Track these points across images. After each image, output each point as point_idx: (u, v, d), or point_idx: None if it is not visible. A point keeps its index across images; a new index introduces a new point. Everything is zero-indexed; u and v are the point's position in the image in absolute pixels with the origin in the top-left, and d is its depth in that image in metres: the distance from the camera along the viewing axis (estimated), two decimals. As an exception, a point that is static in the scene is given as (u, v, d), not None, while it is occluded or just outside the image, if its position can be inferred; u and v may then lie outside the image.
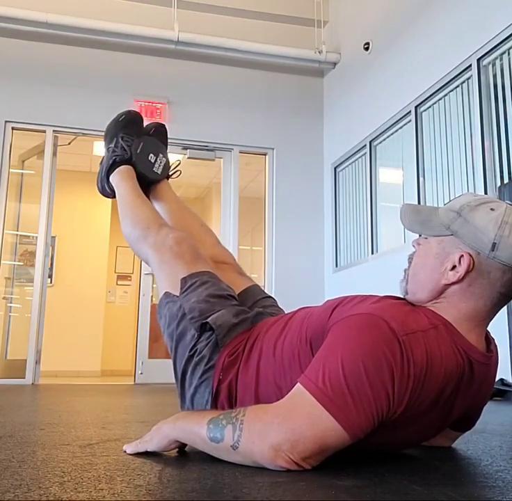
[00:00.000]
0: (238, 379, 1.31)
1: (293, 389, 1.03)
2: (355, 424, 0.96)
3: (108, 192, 2.03)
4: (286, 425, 0.97)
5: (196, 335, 1.41)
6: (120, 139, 2.02)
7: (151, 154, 2.03)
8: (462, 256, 1.09)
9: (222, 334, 1.38)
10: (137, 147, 2.01)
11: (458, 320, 1.10)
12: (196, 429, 1.06)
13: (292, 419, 0.97)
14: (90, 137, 5.51)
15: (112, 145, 2.03)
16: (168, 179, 2.11)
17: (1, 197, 5.12)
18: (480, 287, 1.09)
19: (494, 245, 1.06)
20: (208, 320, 1.41)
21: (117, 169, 1.99)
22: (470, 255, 1.08)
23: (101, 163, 2.07)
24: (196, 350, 1.40)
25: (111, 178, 1.99)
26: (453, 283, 1.11)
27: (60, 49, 5.37)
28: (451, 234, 1.11)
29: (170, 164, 2.12)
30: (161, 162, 2.05)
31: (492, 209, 1.09)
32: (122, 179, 1.96)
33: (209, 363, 1.36)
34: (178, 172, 2.15)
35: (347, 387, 0.97)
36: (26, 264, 5.54)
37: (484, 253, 1.07)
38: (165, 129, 2.18)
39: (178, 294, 1.52)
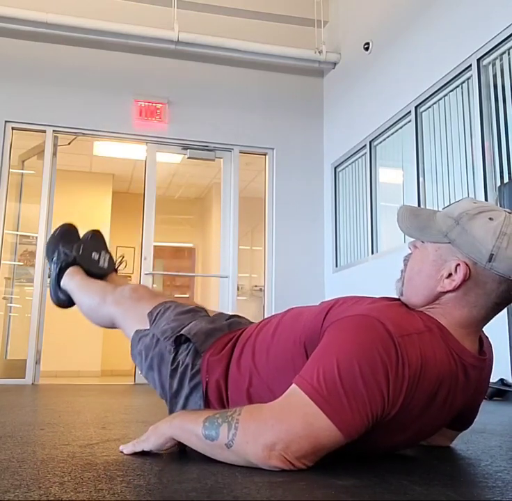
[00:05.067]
0: (228, 378, 1.30)
1: (289, 389, 1.03)
2: (349, 424, 0.96)
3: (63, 299, 2.08)
4: (280, 425, 0.97)
5: (173, 349, 1.42)
6: (60, 249, 2.11)
7: (93, 252, 2.10)
8: (458, 265, 1.08)
9: (200, 341, 1.39)
10: (78, 249, 2.09)
11: (451, 326, 1.10)
12: (192, 427, 1.07)
13: (287, 419, 0.97)
14: (90, 137, 5.52)
15: (55, 257, 2.11)
16: (116, 273, 2.17)
17: (1, 197, 5.12)
18: (475, 297, 1.09)
19: (491, 256, 1.06)
20: (182, 332, 1.42)
21: (65, 273, 2.05)
22: (467, 265, 1.08)
23: (49, 276, 2.14)
24: (178, 362, 1.40)
25: (62, 283, 2.05)
26: (448, 291, 1.10)
27: (60, 49, 5.37)
28: (449, 242, 1.10)
29: (115, 259, 2.18)
30: (104, 258, 2.13)
31: (490, 219, 1.07)
32: (71, 276, 2.03)
33: (194, 368, 1.36)
34: (124, 264, 2.21)
35: (342, 388, 0.97)
36: (26, 264, 5.54)
37: (481, 264, 1.07)
38: (101, 234, 2.24)
39: (148, 327, 1.56)
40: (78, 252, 2.06)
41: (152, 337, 1.51)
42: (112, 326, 1.79)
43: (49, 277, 2.16)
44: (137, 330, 1.58)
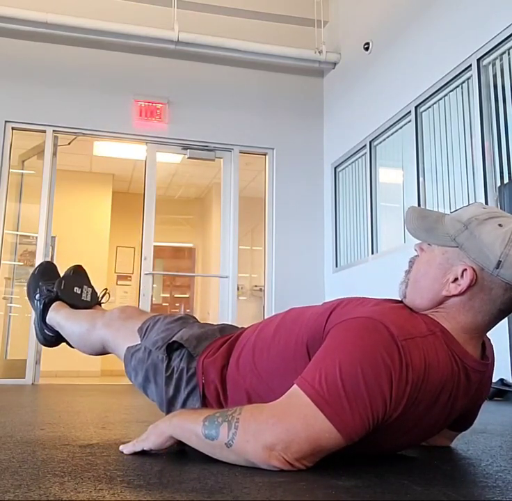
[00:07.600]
0: (226, 378, 1.30)
1: (290, 390, 1.02)
2: (349, 427, 0.96)
3: (50, 336, 2.06)
4: (280, 425, 0.97)
5: (165, 357, 1.42)
6: (42, 287, 2.10)
7: (75, 287, 2.10)
8: (465, 270, 1.08)
9: (193, 345, 1.39)
10: (60, 285, 2.08)
11: (454, 331, 1.10)
12: (192, 426, 1.06)
13: (287, 419, 0.97)
14: (90, 137, 5.52)
15: (37, 295, 2.10)
16: (100, 306, 2.16)
17: (1, 197, 5.11)
18: (480, 302, 1.09)
19: (499, 263, 1.05)
20: (174, 339, 1.42)
21: (49, 308, 2.04)
22: (474, 270, 1.07)
23: (34, 317, 2.13)
24: (172, 368, 1.40)
25: (48, 318, 2.04)
26: (453, 295, 1.10)
27: (60, 49, 5.37)
28: (456, 246, 1.10)
29: (98, 293, 2.18)
30: (87, 292, 2.13)
31: (500, 225, 1.07)
32: (56, 311, 2.02)
33: (189, 372, 1.36)
34: (107, 296, 2.21)
35: (343, 390, 0.97)
36: (26, 264, 5.54)
37: (488, 270, 1.06)
38: (83, 269, 2.23)
39: (139, 342, 1.56)
40: (59, 287, 2.06)
41: (144, 350, 1.50)
42: (104, 352, 1.78)
43: (34, 318, 2.13)
44: (128, 347, 1.58)
